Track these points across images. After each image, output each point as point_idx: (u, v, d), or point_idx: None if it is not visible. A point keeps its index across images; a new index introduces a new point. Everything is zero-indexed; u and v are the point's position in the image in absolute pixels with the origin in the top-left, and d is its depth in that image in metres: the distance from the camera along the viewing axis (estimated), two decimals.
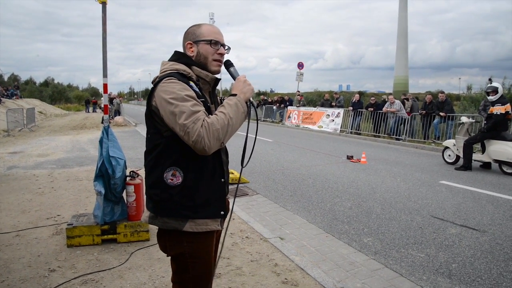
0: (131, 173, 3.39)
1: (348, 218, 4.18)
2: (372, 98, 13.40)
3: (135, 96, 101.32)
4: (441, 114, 10.46)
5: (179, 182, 1.44)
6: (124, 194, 3.33)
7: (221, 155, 1.55)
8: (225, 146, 1.57)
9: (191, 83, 1.47)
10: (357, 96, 14.24)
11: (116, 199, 3.26)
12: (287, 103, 18.30)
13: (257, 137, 1.61)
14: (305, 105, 17.99)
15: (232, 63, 1.59)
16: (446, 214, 4.31)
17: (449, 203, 4.74)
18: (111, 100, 18.00)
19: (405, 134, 11.54)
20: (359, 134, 13.37)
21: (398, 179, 6.11)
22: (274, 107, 19.24)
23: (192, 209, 1.47)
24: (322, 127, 14.97)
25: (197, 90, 1.46)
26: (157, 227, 1.54)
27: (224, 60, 1.57)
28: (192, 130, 1.33)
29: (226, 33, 1.67)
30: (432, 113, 10.86)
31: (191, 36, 1.56)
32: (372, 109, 12.89)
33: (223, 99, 1.61)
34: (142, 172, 5.68)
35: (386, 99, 12.84)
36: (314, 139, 12.49)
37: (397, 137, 11.70)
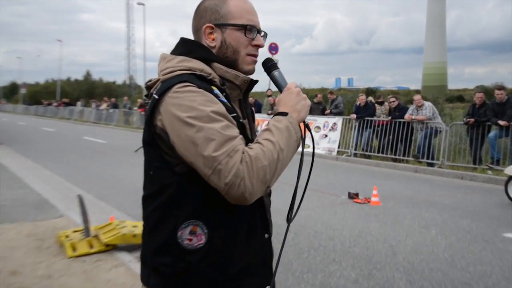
0: None
1: None
2: (392, 99, 13.83)
3: None
4: (501, 123, 10.82)
5: (202, 243, 1.53)
6: None
7: (263, 197, 1.65)
8: None
9: (216, 90, 1.56)
10: (362, 99, 14.72)
11: None
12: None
13: (310, 175, 1.71)
14: None
15: (276, 64, 1.74)
16: None
17: None
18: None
19: (443, 157, 11.98)
20: (368, 157, 13.78)
21: (433, 231, 6.25)
22: None
23: (224, 284, 1.57)
24: (309, 146, 15.07)
25: (224, 100, 1.56)
26: None
27: (262, 58, 1.73)
28: (227, 167, 1.40)
29: None
30: (486, 121, 11.29)
31: (212, 15, 1.65)
32: (387, 120, 13.30)
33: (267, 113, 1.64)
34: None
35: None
36: (296, 166, 12.49)
37: (430, 161, 12.14)
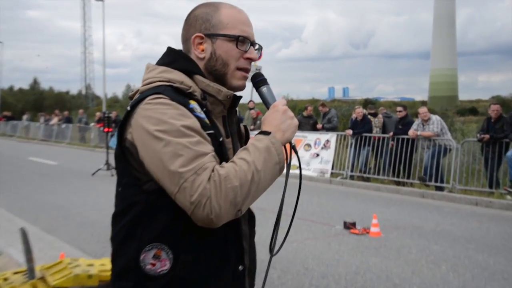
0: None
1: None
2: (399, 108, 13.91)
3: None
4: None
5: (166, 269, 1.63)
6: None
7: (240, 222, 1.77)
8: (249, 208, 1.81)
9: (192, 104, 1.68)
10: (359, 112, 14.76)
11: None
12: None
13: (298, 203, 1.86)
14: None
15: (265, 79, 1.89)
16: None
17: None
18: None
19: (454, 179, 12.05)
20: (367, 180, 13.89)
21: (443, 267, 6.26)
22: None
23: None
24: (296, 167, 15.14)
25: (201, 115, 1.68)
26: None
27: (253, 70, 1.81)
28: (193, 185, 1.51)
29: None
30: (503, 138, 11.43)
31: (203, 24, 1.80)
32: (388, 136, 13.41)
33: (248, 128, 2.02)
34: None
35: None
36: (281, 189, 12.48)
37: (439, 184, 12.23)
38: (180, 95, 1.66)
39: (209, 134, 1.64)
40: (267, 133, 1.70)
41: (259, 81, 1.88)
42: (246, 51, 1.80)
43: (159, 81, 1.71)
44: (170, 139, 1.54)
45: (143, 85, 1.74)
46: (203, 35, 1.78)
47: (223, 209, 1.52)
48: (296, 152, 1.81)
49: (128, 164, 1.67)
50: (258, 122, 18.02)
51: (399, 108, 13.87)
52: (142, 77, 1.80)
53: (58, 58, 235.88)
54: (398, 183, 13.08)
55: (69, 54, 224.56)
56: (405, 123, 13.34)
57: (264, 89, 1.88)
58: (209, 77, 1.79)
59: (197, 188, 1.50)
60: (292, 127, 1.76)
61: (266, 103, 1.86)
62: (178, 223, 1.63)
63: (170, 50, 1.84)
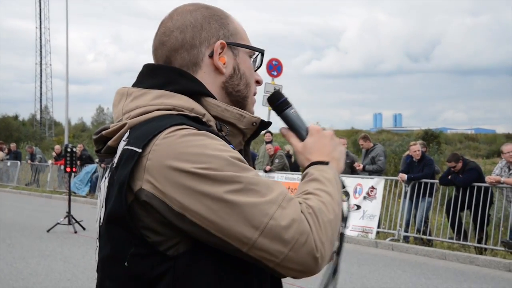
0: None
1: None
2: (452, 165, 13.54)
3: None
4: None
5: None
6: None
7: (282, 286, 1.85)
8: None
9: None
10: (416, 149, 14.35)
11: None
12: None
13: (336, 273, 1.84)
14: (287, 166, 18.47)
15: (286, 98, 1.95)
16: None
17: None
18: None
19: None
20: (428, 244, 13.74)
21: None
22: None
23: None
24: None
25: (235, 149, 1.73)
26: None
27: (269, 90, 1.83)
28: (282, 221, 1.50)
29: None
30: None
31: (221, 29, 1.84)
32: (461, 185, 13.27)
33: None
34: None
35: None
36: None
37: None
38: (202, 125, 1.65)
39: None
40: (323, 163, 1.78)
41: (282, 102, 1.92)
42: (256, 69, 1.93)
43: (159, 109, 1.67)
44: (234, 175, 1.53)
45: (133, 117, 1.68)
46: (225, 43, 1.80)
47: (327, 249, 1.55)
48: (348, 194, 1.86)
49: (137, 226, 1.57)
50: (277, 160, 17.89)
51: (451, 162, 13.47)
52: (117, 108, 1.77)
53: (3, 71, 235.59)
54: (479, 248, 12.85)
55: (19, 66, 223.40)
56: (467, 170, 13.22)
57: (292, 111, 1.92)
58: (225, 99, 1.82)
59: (290, 224, 1.49)
60: (344, 155, 1.89)
61: (298, 129, 1.92)
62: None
63: (155, 67, 1.83)
